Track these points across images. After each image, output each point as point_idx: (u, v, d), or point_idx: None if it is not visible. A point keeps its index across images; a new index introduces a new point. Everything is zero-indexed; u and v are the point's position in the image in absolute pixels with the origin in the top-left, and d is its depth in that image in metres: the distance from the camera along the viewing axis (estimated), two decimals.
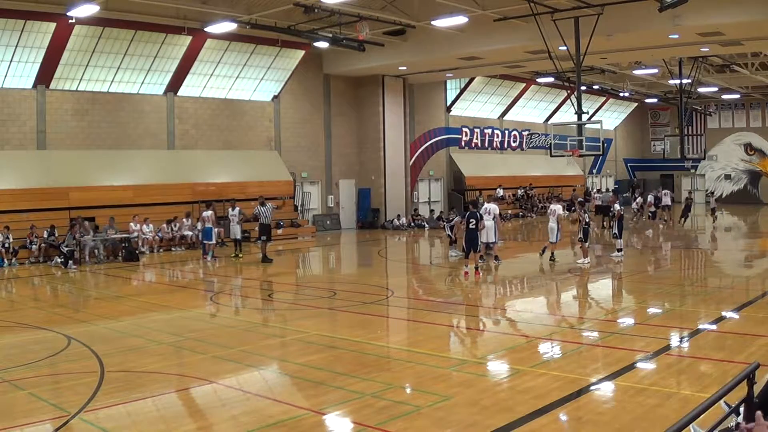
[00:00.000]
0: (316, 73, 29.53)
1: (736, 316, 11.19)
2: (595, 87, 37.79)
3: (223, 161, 26.26)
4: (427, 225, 31.81)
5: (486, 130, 38.21)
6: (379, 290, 14.90)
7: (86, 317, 12.40)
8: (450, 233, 20.64)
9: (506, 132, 39.74)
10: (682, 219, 29.58)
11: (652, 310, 12.19)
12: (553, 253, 18.27)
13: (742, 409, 3.00)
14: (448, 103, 35.57)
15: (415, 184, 33.44)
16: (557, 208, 18.69)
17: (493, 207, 17.86)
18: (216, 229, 24.14)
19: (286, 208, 27.30)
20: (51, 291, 16.63)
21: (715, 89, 39.66)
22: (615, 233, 18.65)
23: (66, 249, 19.34)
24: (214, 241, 20.81)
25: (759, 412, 2.49)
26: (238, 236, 20.93)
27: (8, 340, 10.51)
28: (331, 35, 23.35)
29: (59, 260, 19.65)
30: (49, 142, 22.11)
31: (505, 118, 39.59)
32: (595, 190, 39.79)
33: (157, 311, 12.73)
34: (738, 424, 2.47)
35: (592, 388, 7.43)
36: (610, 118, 45.63)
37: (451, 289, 15.62)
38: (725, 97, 43.02)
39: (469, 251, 16.04)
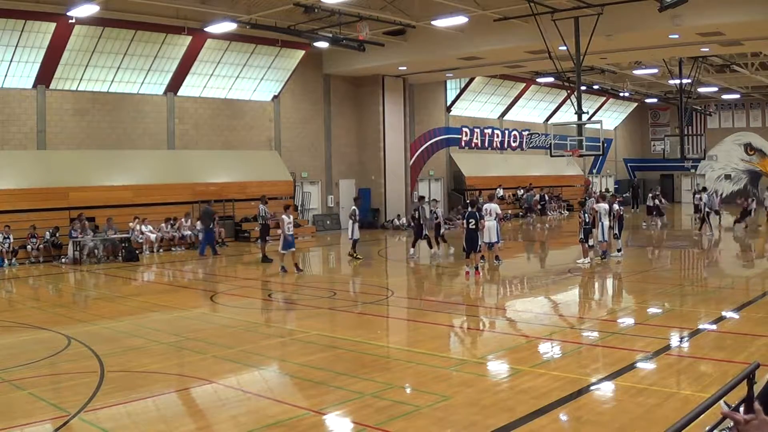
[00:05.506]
0: (316, 73, 29.52)
1: (736, 316, 11.20)
2: (595, 87, 37.74)
3: (223, 161, 26.24)
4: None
5: (486, 130, 38.19)
6: (379, 290, 14.90)
7: (86, 317, 12.40)
8: (424, 229, 20.28)
9: (506, 132, 39.71)
10: None
11: (652, 310, 12.20)
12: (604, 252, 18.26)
13: (742, 409, 3.00)
14: (448, 103, 35.55)
15: (415, 184, 33.41)
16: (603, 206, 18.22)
17: (494, 207, 17.85)
18: (218, 229, 24.21)
19: None
20: (51, 291, 16.62)
21: (715, 89, 39.62)
22: (615, 233, 18.68)
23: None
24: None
25: (759, 407, 2.48)
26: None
27: (8, 340, 10.51)
28: (331, 35, 23.33)
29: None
30: (49, 142, 22.10)
31: (505, 118, 39.56)
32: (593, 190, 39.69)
33: (157, 311, 12.73)
34: (736, 422, 2.47)
35: (592, 388, 7.43)
36: (610, 118, 45.58)
37: (451, 289, 15.62)
38: (725, 97, 42.97)
39: (470, 251, 16.04)
